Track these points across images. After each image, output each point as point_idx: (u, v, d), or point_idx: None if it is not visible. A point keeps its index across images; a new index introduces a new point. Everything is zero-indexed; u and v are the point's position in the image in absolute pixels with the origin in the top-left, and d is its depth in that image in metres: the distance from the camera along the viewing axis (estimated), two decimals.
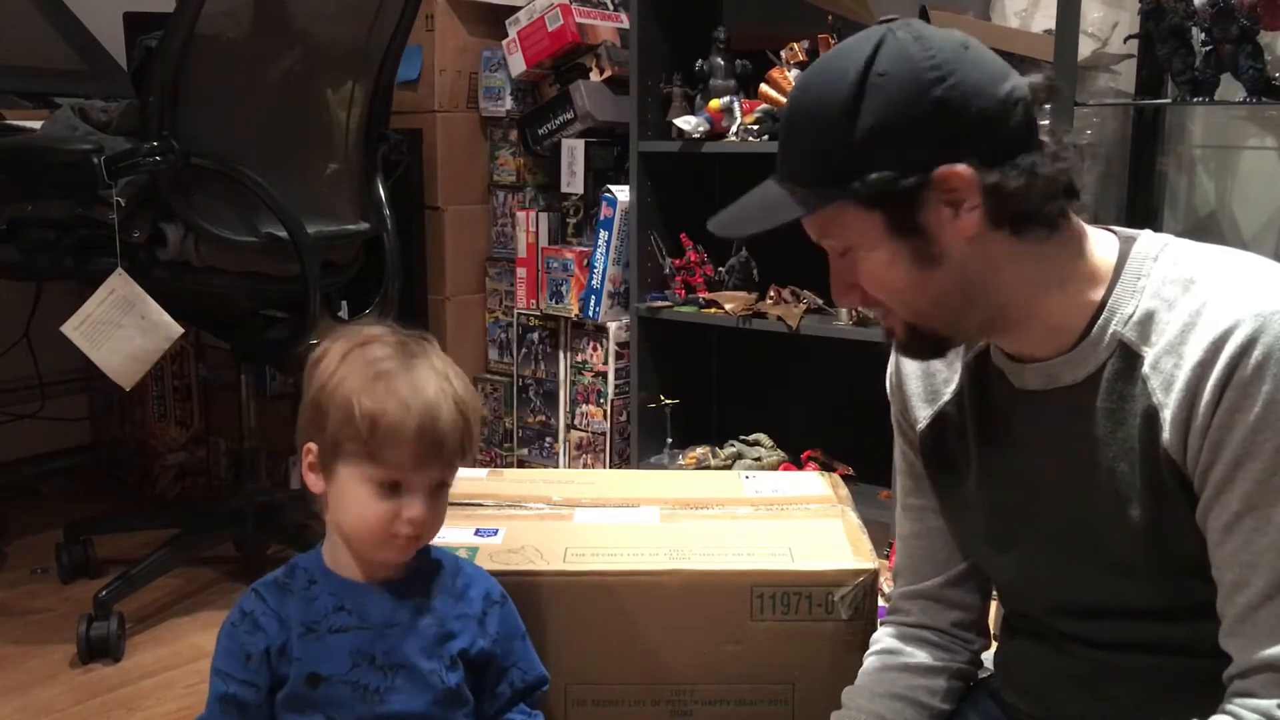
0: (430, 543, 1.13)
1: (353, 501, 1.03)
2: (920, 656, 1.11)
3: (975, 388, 1.03)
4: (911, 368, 1.09)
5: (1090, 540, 0.94)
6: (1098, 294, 0.92)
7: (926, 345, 0.96)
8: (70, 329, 1.80)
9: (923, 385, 1.08)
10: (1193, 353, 0.85)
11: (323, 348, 1.07)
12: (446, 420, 1.01)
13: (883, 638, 1.15)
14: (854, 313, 2.18)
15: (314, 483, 1.06)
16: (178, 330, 1.81)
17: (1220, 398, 0.83)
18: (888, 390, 1.13)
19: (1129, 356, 0.90)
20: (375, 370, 1.02)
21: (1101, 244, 0.94)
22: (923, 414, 1.08)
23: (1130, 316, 0.90)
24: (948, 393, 1.05)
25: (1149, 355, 0.88)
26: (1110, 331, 0.91)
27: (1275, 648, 0.82)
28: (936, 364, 1.06)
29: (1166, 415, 0.87)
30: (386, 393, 1.01)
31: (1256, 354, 0.82)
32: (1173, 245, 0.92)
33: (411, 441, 1.00)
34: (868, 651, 1.16)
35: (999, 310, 0.92)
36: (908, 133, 0.86)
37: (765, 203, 0.93)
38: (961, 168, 0.85)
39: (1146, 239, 0.93)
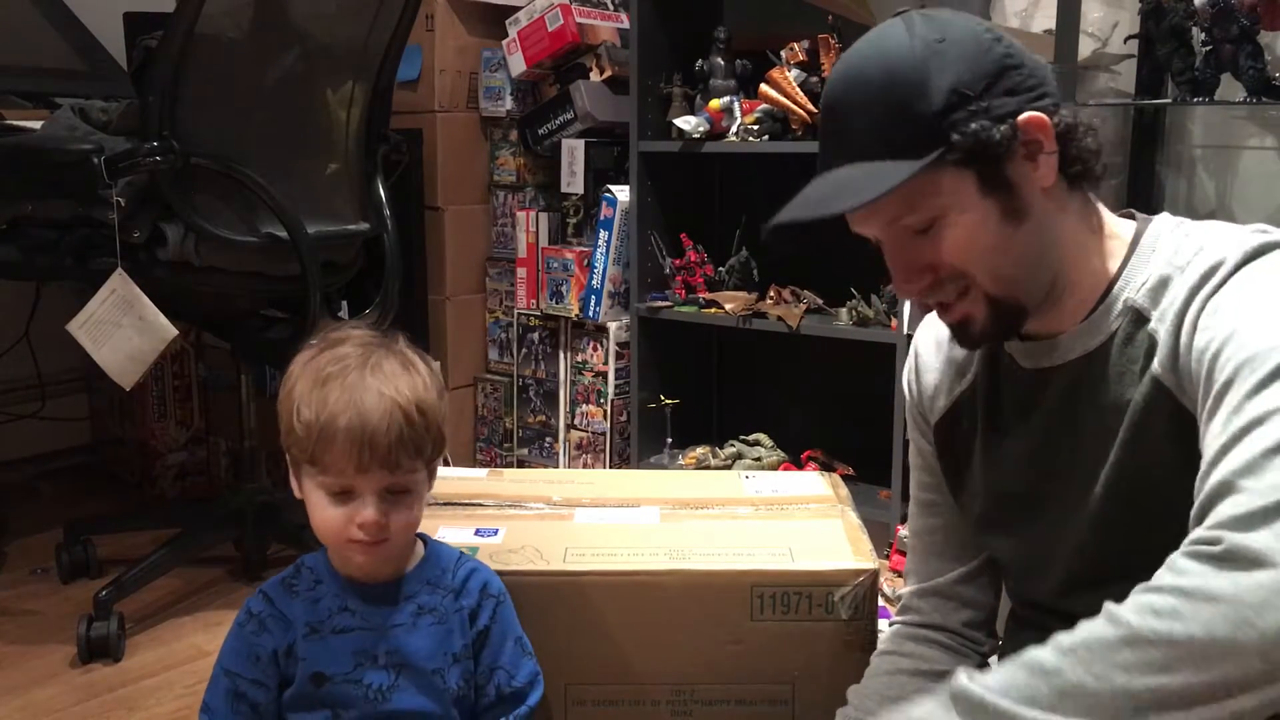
0: (431, 541, 1.14)
1: (313, 507, 1.04)
2: (933, 660, 1.11)
3: (990, 374, 1.04)
4: (931, 359, 1.10)
5: (1097, 497, 0.94)
6: (1112, 269, 0.94)
7: (1006, 320, 0.94)
8: (75, 327, 1.80)
9: (941, 376, 1.09)
10: (1185, 288, 0.87)
11: (297, 355, 1.07)
12: (379, 423, 0.99)
13: (892, 637, 1.15)
14: (854, 313, 2.18)
15: (295, 488, 1.07)
16: (172, 332, 1.81)
17: (1200, 315, 0.85)
18: (905, 386, 1.14)
19: (1139, 321, 0.91)
20: (319, 376, 1.02)
21: (1122, 223, 0.97)
22: (940, 403, 1.09)
23: (1144, 285, 0.92)
24: (964, 381, 1.06)
25: (1156, 315, 0.90)
26: (1123, 300, 0.93)
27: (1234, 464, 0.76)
28: (955, 353, 1.07)
29: (1159, 342, 0.88)
30: (323, 398, 1.00)
31: (1231, 263, 0.84)
32: (1188, 222, 0.95)
33: (343, 445, 0.99)
34: (876, 651, 1.16)
35: (1057, 276, 0.94)
36: (986, 87, 0.88)
37: (844, 183, 0.90)
38: (1040, 114, 0.89)
39: (1163, 218, 0.96)
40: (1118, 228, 0.96)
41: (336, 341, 1.05)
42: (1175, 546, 0.89)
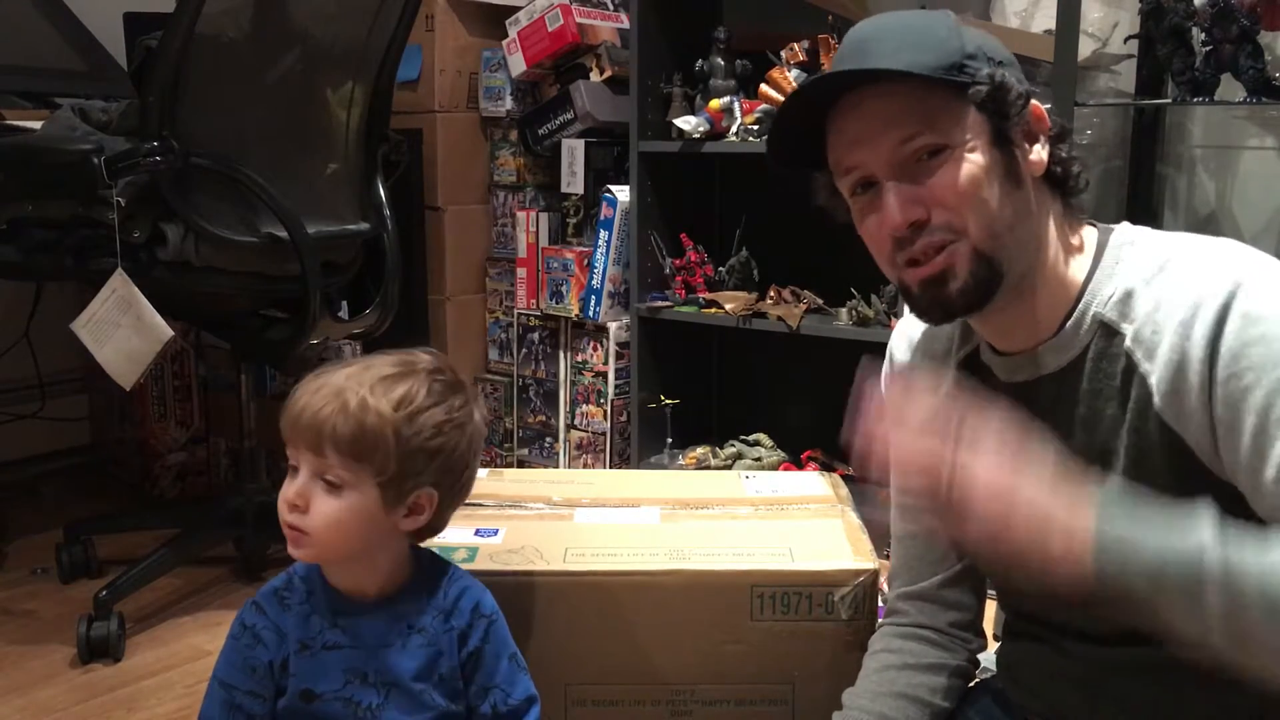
0: (429, 546, 1.13)
1: None
2: (920, 654, 1.11)
3: (966, 385, 1.03)
4: (906, 367, 1.09)
5: None
6: (1079, 279, 0.95)
7: (983, 283, 0.91)
8: (79, 327, 1.80)
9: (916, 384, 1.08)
10: (1172, 317, 0.87)
11: None
12: (329, 408, 1.00)
13: (882, 638, 1.15)
14: (854, 313, 2.18)
15: None
16: (168, 333, 1.81)
17: (1214, 354, 0.83)
18: (882, 388, 1.14)
19: (1110, 335, 0.92)
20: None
21: (1083, 234, 0.97)
22: None
23: (1110, 298, 0.92)
24: (940, 391, 1.06)
25: (1129, 331, 0.90)
26: (1091, 314, 0.93)
27: None
28: (930, 363, 1.07)
29: (1153, 381, 0.88)
30: (302, 385, 1.04)
31: (1239, 305, 0.83)
32: (1148, 232, 0.96)
33: (292, 419, 1.02)
34: (867, 653, 1.16)
35: (1030, 269, 0.94)
36: (1002, 60, 0.92)
37: (878, 66, 0.89)
38: (1040, 107, 0.93)
39: (1123, 228, 0.97)
40: (1083, 238, 0.97)
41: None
42: None
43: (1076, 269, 0.95)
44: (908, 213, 0.90)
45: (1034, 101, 0.93)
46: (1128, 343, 0.90)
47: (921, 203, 0.90)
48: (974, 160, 0.90)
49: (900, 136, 0.90)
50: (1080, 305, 0.94)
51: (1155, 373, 0.88)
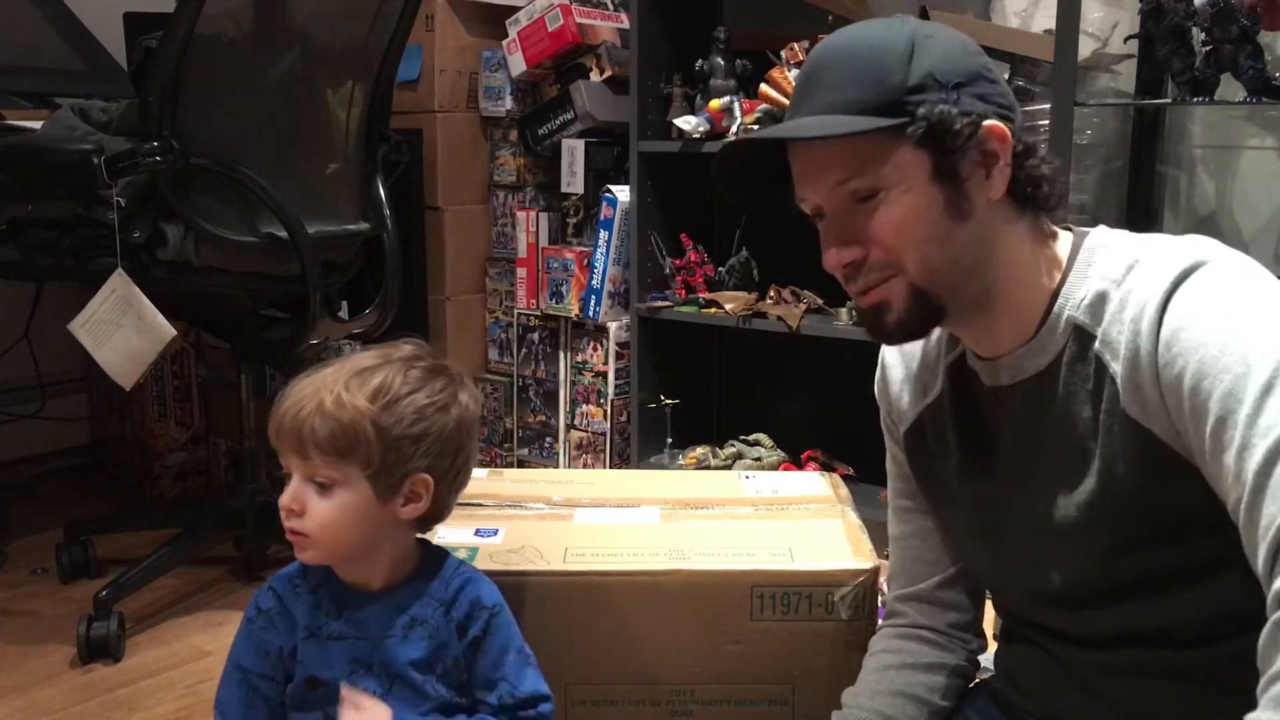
0: (432, 544, 1.13)
1: None
2: (919, 654, 1.12)
3: (955, 389, 1.05)
4: (897, 371, 1.11)
5: (1064, 525, 0.94)
6: (1053, 284, 0.95)
7: (923, 314, 0.93)
8: (76, 327, 1.80)
9: (907, 388, 1.10)
10: (1129, 315, 0.88)
11: None
12: (308, 410, 1.01)
13: (881, 639, 1.16)
14: (854, 313, 2.18)
15: None
16: (171, 332, 1.81)
17: (1156, 344, 0.85)
18: (876, 393, 1.15)
19: (1084, 339, 0.92)
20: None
21: (1059, 238, 0.97)
22: (907, 415, 1.10)
23: (1082, 301, 0.93)
24: (930, 395, 1.07)
25: (1099, 333, 0.91)
26: (1065, 317, 0.93)
27: None
28: (920, 367, 1.08)
29: (1119, 379, 0.88)
30: (286, 391, 1.05)
31: (1179, 295, 0.85)
32: (1121, 234, 0.96)
33: (275, 425, 1.03)
34: (867, 654, 1.16)
35: (988, 288, 0.94)
36: (959, 84, 0.90)
37: (804, 124, 0.91)
38: (1002, 126, 0.90)
39: (1098, 231, 0.97)
40: (1057, 245, 0.97)
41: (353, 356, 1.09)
42: (1145, 571, 0.91)
43: (1050, 276, 0.95)
44: (841, 255, 0.93)
45: (993, 122, 0.90)
46: (1097, 345, 0.91)
47: (858, 242, 0.92)
48: (907, 202, 0.90)
49: (834, 179, 0.91)
50: (1054, 310, 0.94)
51: (1120, 371, 0.88)
